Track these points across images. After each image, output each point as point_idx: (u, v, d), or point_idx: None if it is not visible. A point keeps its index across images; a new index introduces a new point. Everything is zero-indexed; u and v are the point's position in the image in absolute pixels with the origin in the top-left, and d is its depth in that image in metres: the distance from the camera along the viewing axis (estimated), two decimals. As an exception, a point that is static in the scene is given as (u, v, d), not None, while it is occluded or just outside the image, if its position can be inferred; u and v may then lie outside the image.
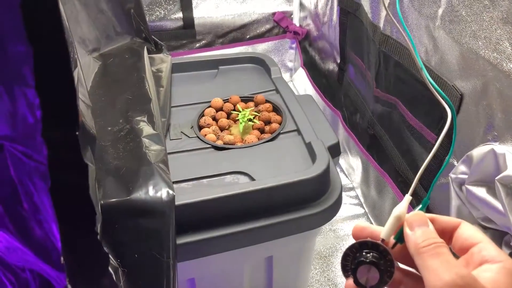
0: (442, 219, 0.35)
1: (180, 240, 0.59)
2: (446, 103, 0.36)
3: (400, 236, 0.35)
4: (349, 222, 0.99)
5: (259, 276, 0.74)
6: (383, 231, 0.35)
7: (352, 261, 0.35)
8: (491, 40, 0.57)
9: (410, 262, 0.35)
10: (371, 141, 0.98)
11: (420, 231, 0.33)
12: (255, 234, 0.62)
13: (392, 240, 0.35)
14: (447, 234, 0.34)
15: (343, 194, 0.68)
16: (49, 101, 0.25)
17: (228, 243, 0.62)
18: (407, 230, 0.33)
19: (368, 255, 0.34)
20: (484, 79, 0.59)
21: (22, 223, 0.30)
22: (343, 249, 0.94)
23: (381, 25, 0.84)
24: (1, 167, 0.28)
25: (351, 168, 1.10)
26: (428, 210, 0.73)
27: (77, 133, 0.27)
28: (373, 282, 0.34)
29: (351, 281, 0.35)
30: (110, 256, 0.37)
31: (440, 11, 0.66)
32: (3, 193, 0.28)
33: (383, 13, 0.83)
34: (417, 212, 0.34)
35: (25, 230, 0.30)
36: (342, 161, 1.15)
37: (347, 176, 1.13)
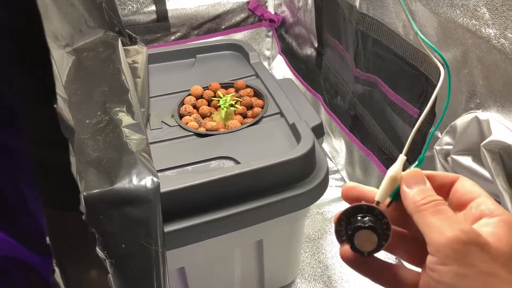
0: (439, 175, 0.34)
1: (168, 228, 0.58)
2: (441, 60, 0.35)
3: (396, 195, 0.33)
4: (336, 205, 0.98)
5: (250, 261, 0.73)
6: (377, 193, 0.34)
7: (346, 226, 0.34)
8: (469, 7, 0.57)
9: (404, 224, 0.35)
10: (353, 121, 0.97)
11: (418, 188, 0.32)
12: (243, 218, 0.61)
13: (386, 202, 0.34)
14: (444, 190, 0.33)
15: (329, 180, 0.68)
16: (24, 74, 0.23)
17: (217, 228, 0.60)
18: (404, 188, 0.32)
19: (365, 219, 0.33)
20: (464, 47, 0.59)
21: (1, 208, 0.28)
22: (332, 231, 0.94)
23: (357, 4, 0.84)
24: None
25: (335, 150, 1.10)
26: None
27: (55, 105, 0.26)
28: (370, 247, 0.33)
29: (346, 247, 0.34)
30: (97, 238, 0.36)
31: (415, -17, 0.66)
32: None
33: (359, -9, 0.83)
34: (414, 169, 0.33)
35: (6, 216, 0.29)
36: (325, 144, 1.15)
37: (331, 159, 1.13)
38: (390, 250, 0.36)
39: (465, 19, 0.58)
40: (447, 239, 0.28)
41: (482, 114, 0.59)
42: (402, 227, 0.36)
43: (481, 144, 0.56)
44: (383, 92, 0.82)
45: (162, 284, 0.54)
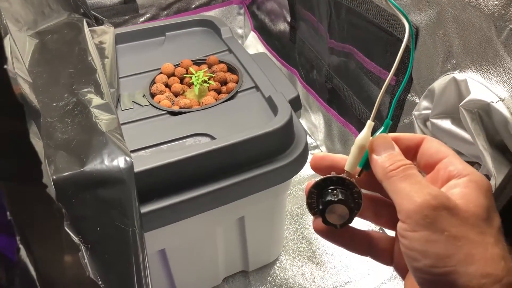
0: (404, 137, 0.32)
1: (145, 209, 0.56)
2: (403, 16, 0.33)
3: (365, 163, 0.32)
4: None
5: (232, 240, 0.71)
6: (347, 163, 0.32)
7: (317, 199, 0.33)
8: (442, -35, 0.56)
9: (377, 189, 0.34)
10: (330, 95, 0.96)
11: (386, 154, 0.30)
12: (223, 194, 0.60)
13: (357, 171, 0.33)
14: (411, 152, 0.32)
15: (308, 152, 0.66)
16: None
17: (195, 207, 0.59)
18: (373, 156, 0.31)
19: (335, 192, 0.32)
20: (438, 7, 0.58)
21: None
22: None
23: (329, -28, 0.82)
24: None
25: (314, 126, 1.08)
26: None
27: (5, 66, 0.23)
28: (342, 220, 0.32)
29: (319, 219, 0.33)
30: (65, 214, 0.33)
31: None
32: None
33: (330, -41, 0.81)
34: (381, 135, 0.32)
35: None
36: (303, 120, 1.14)
37: (310, 135, 1.11)
38: (364, 216, 0.35)
39: (438, -22, 0.57)
40: (416, 205, 0.27)
41: (459, 75, 0.58)
42: (377, 192, 0.34)
43: (460, 104, 0.55)
44: (358, 62, 0.81)
45: (141, 266, 0.52)
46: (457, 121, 0.60)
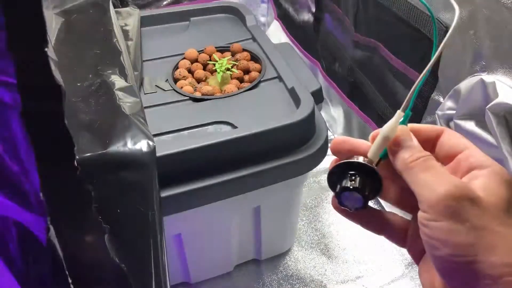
0: (423, 128, 0.33)
1: (164, 193, 0.56)
2: (430, 14, 0.33)
3: (385, 153, 0.33)
4: (333, 173, 0.97)
5: (247, 228, 0.72)
6: (370, 151, 0.33)
7: (337, 180, 0.34)
8: (478, -36, 0.55)
9: (396, 179, 0.34)
10: (352, 88, 0.95)
11: (406, 146, 0.31)
12: (241, 183, 0.60)
13: (376, 160, 0.33)
14: (430, 144, 0.33)
15: (328, 146, 0.66)
16: (13, 13, 0.21)
17: (214, 194, 0.59)
18: (392, 147, 0.32)
19: (353, 178, 0.33)
20: (471, 7, 0.57)
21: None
22: (328, 199, 0.93)
23: (358, -36, 0.81)
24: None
25: (333, 119, 1.08)
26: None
27: (46, 49, 0.24)
28: (357, 206, 0.33)
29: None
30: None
31: None
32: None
33: (360, -49, 0.79)
34: (400, 126, 0.32)
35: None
36: (322, 112, 1.13)
37: (328, 128, 1.11)
38: (385, 199, 0.36)
39: (473, -23, 0.56)
40: (438, 196, 0.28)
41: (487, 77, 0.57)
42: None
43: (487, 107, 0.55)
44: (383, 57, 0.80)
45: (159, 249, 0.53)
46: (481, 123, 0.59)
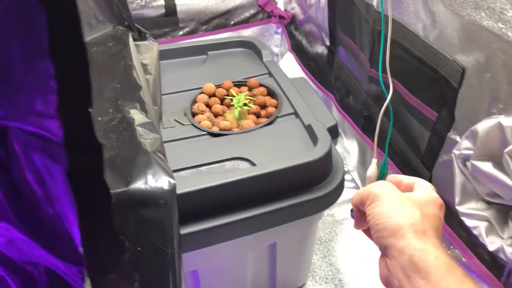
0: (404, 180, 0.49)
1: (183, 231, 0.56)
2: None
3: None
4: (346, 206, 0.97)
5: (262, 264, 0.72)
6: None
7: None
8: (495, 10, 0.56)
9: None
10: (366, 122, 0.96)
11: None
12: (259, 221, 0.60)
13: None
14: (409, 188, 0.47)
15: (344, 183, 0.67)
16: (63, 72, 0.22)
17: (232, 232, 0.59)
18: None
19: None
20: (488, 51, 0.58)
21: (30, 214, 0.27)
22: (343, 233, 0.93)
23: (374, 3, 0.82)
24: (7, 152, 0.25)
25: (346, 151, 1.09)
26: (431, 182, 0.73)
27: (90, 110, 0.25)
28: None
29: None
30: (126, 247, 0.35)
31: (438, -16, 0.65)
32: (8, 181, 0.26)
33: (376, -10, 0.81)
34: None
35: (33, 221, 0.28)
36: (337, 145, 1.14)
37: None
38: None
39: (490, 22, 0.57)
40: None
41: (505, 120, 0.57)
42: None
43: (505, 150, 0.55)
44: (399, 94, 0.81)
45: (177, 287, 0.53)
46: (499, 164, 0.60)
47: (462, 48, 0.63)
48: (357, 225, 0.50)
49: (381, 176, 0.51)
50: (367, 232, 0.49)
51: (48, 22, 0.21)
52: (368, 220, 0.44)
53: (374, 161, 0.52)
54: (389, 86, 0.54)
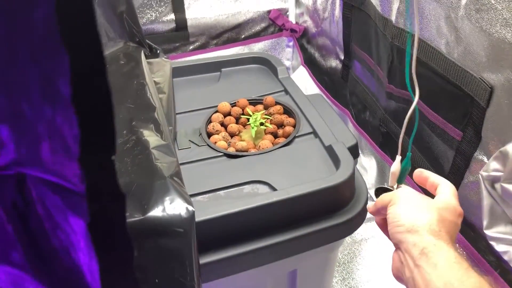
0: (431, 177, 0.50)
1: (202, 260, 0.54)
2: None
3: (399, 179, 0.54)
4: (365, 226, 0.94)
5: (282, 290, 0.69)
6: (389, 181, 0.54)
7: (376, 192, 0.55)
8: (527, 27, 0.53)
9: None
10: (384, 139, 0.93)
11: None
12: (280, 249, 0.58)
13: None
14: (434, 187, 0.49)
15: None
16: (86, 119, 0.20)
17: (253, 260, 0.57)
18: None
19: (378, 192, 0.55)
20: (519, 70, 0.56)
21: (47, 264, 0.25)
22: (362, 254, 0.90)
23: (393, 18, 0.80)
24: (24, 201, 0.23)
25: (363, 168, 1.06)
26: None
27: (113, 157, 0.22)
28: None
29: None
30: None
31: (463, 0, 0.62)
32: (26, 231, 0.24)
33: (395, 5, 0.79)
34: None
35: (50, 272, 0.25)
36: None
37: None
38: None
39: (522, 39, 0.54)
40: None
41: (539, 142, 0.55)
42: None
43: (541, 175, 0.52)
44: (420, 111, 0.78)
45: (196, 321, 0.51)
46: (531, 188, 0.57)
47: (490, 66, 0.60)
48: (374, 213, 0.54)
49: (404, 171, 0.53)
50: (384, 228, 0.52)
51: (72, 69, 0.19)
52: (388, 217, 0.47)
53: (398, 158, 0.53)
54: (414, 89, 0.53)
